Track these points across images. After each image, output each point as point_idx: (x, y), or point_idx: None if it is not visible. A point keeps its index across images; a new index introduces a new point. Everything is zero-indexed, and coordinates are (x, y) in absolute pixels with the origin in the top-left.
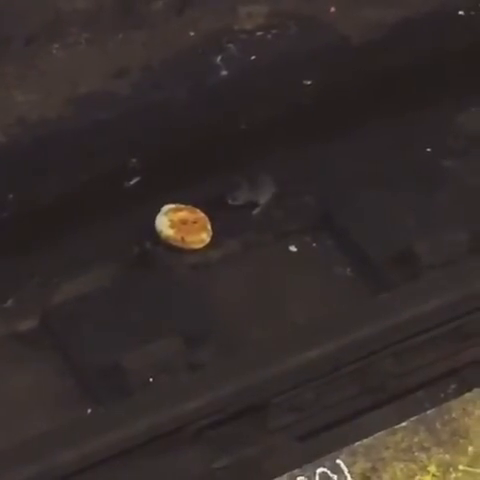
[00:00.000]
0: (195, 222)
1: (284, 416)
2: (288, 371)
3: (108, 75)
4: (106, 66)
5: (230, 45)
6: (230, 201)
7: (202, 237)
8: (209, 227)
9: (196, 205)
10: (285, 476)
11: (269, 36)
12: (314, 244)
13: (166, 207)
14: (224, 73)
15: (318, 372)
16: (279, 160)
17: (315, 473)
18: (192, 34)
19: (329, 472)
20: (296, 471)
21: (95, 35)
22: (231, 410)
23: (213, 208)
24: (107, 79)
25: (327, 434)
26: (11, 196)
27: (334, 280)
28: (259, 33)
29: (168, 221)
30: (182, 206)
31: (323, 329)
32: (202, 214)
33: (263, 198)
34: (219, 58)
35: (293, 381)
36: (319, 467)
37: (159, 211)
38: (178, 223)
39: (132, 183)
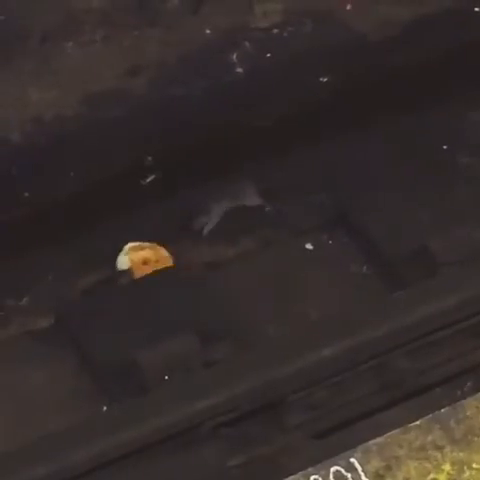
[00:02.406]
0: (157, 261)
1: (300, 414)
2: (304, 369)
3: (123, 73)
4: (122, 64)
5: (246, 43)
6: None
7: None
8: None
9: (210, 199)
10: (300, 474)
11: (285, 34)
12: (330, 242)
13: (128, 246)
14: (239, 71)
15: (334, 370)
16: (295, 157)
17: (329, 471)
18: (208, 32)
19: (343, 471)
20: (310, 469)
21: (111, 33)
22: (247, 408)
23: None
24: (122, 77)
25: (342, 432)
26: (27, 194)
27: (350, 278)
28: (275, 31)
29: (129, 261)
30: (145, 244)
31: (339, 327)
32: (165, 253)
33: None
34: (235, 56)
35: (309, 379)
36: (333, 466)
37: (121, 250)
38: (139, 264)
39: (147, 181)
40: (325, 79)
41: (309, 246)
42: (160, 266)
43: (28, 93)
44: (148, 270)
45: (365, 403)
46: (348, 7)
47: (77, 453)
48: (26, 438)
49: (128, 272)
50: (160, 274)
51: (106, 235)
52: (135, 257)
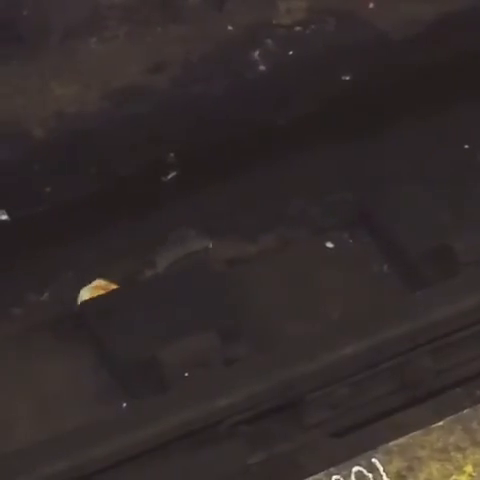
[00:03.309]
0: None
1: (319, 413)
2: (324, 367)
3: (146, 69)
4: (144, 60)
5: (268, 40)
6: None
7: None
8: None
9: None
10: (321, 474)
11: (307, 31)
12: (351, 241)
13: (95, 282)
14: (262, 68)
15: (353, 369)
16: (316, 156)
17: (351, 472)
18: (230, 29)
19: (365, 471)
20: (332, 469)
21: (133, 29)
22: (266, 406)
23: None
24: (145, 73)
25: (363, 432)
26: (48, 189)
27: (371, 277)
28: (297, 28)
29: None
30: (112, 286)
31: (359, 325)
32: None
33: None
34: (257, 53)
35: (329, 378)
36: (355, 466)
37: (88, 283)
38: None
39: (169, 178)
40: (347, 77)
41: (330, 245)
42: None
43: (51, 88)
44: None
45: (385, 403)
46: (371, 5)
47: (96, 449)
48: (45, 434)
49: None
50: (181, 271)
51: (127, 230)
52: (96, 294)
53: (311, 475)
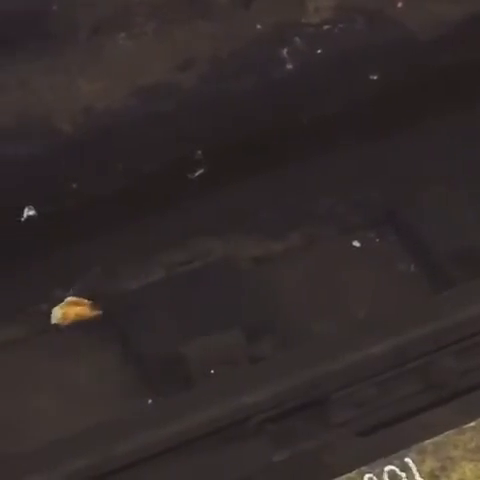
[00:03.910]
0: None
1: (344, 412)
2: (349, 366)
3: (174, 66)
4: (172, 57)
5: (296, 38)
6: None
7: None
8: None
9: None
10: (353, 473)
11: (336, 30)
12: (378, 240)
13: (68, 299)
14: (290, 66)
15: (380, 368)
16: (344, 155)
17: (383, 471)
18: (259, 27)
19: (397, 470)
20: (364, 468)
21: (162, 26)
22: (292, 404)
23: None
24: (173, 70)
25: (389, 431)
26: (75, 185)
27: (397, 276)
28: (326, 27)
29: (61, 315)
30: (84, 301)
31: (385, 324)
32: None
33: None
34: (285, 51)
35: (354, 377)
36: (387, 465)
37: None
38: (69, 318)
39: (196, 175)
40: (375, 77)
41: (356, 244)
42: None
43: (78, 84)
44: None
45: (411, 402)
46: (399, 5)
47: (121, 446)
48: (71, 430)
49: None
50: (207, 269)
51: (154, 227)
52: (70, 311)
53: (337, 474)
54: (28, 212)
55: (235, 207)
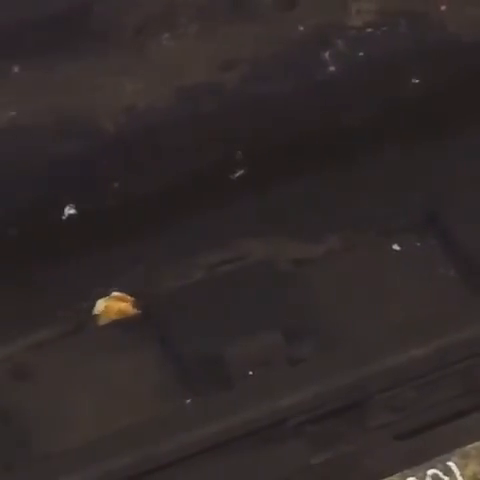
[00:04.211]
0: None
1: (384, 415)
2: (389, 369)
3: (216, 67)
4: (215, 58)
5: (339, 41)
6: None
7: None
8: None
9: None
10: (395, 476)
11: (378, 33)
12: (418, 243)
13: (113, 294)
14: (332, 69)
15: (421, 371)
16: (384, 157)
17: (426, 474)
18: (301, 28)
19: (440, 474)
20: (407, 471)
21: (205, 27)
22: (330, 406)
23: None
24: (215, 71)
25: (430, 435)
26: (116, 185)
27: (437, 280)
28: (368, 30)
29: (104, 308)
30: (128, 297)
31: (425, 328)
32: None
33: None
34: (327, 54)
35: (395, 379)
36: (430, 468)
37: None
38: (111, 313)
39: (236, 176)
40: (417, 80)
41: (396, 247)
42: None
43: (121, 84)
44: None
45: (451, 407)
46: (443, 8)
47: (158, 445)
48: (109, 429)
49: (96, 319)
50: (246, 270)
51: (193, 228)
52: (113, 305)
53: (376, 477)
54: (69, 211)
55: (275, 209)
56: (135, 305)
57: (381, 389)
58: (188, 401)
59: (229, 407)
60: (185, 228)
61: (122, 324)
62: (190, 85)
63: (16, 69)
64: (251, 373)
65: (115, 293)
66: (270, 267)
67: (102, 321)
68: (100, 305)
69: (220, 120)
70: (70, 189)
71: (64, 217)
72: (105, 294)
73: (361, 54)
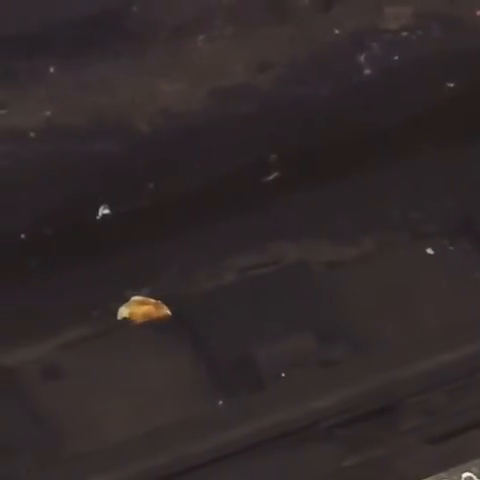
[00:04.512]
0: (158, 317)
1: (415, 418)
2: (421, 373)
3: (252, 69)
4: (250, 60)
5: (374, 44)
6: None
7: None
8: None
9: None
10: (431, 478)
11: (413, 36)
12: (451, 248)
13: (132, 299)
14: (367, 72)
15: (452, 376)
16: (419, 161)
17: (461, 477)
18: (337, 31)
19: (475, 477)
20: (441, 474)
21: (240, 29)
22: (362, 410)
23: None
24: (250, 73)
25: (460, 439)
26: (151, 185)
27: (471, 285)
28: (404, 33)
29: (128, 314)
30: (150, 301)
31: (458, 332)
32: (167, 310)
33: None
34: (363, 57)
35: (426, 384)
36: (465, 471)
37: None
38: (139, 316)
39: (270, 178)
40: (452, 84)
41: (430, 251)
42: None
43: (157, 85)
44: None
45: None
46: (478, 13)
47: (190, 446)
48: (140, 429)
49: (128, 321)
50: (280, 272)
51: (227, 230)
52: (136, 310)
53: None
54: (103, 211)
55: (309, 211)
56: (159, 307)
57: (413, 393)
58: (220, 402)
59: (261, 409)
60: (219, 230)
61: (155, 325)
62: (225, 87)
63: (52, 69)
64: (283, 375)
65: (136, 297)
66: (303, 269)
67: (135, 322)
68: (123, 312)
69: (255, 122)
70: (105, 189)
71: (98, 217)
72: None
73: (396, 57)
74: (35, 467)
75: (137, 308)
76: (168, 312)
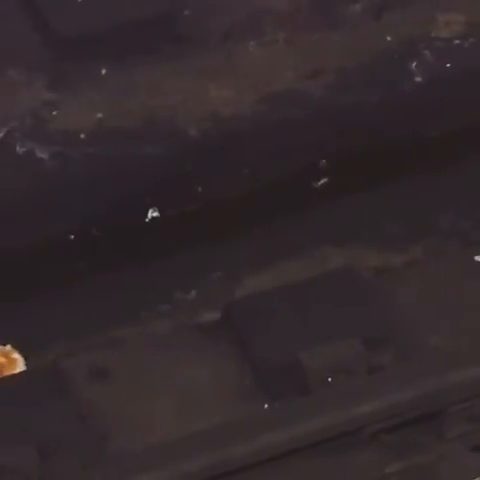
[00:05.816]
0: (7, 366)
1: (460, 425)
2: (467, 380)
3: (302, 75)
4: (301, 66)
5: (426, 52)
6: None
7: None
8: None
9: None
10: None
11: (466, 44)
12: None
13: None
14: (418, 79)
15: None
16: (469, 170)
17: None
18: (389, 39)
19: None
20: None
21: (291, 35)
22: (408, 415)
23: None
24: (301, 79)
25: None
26: (200, 189)
27: None
28: (456, 41)
29: None
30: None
31: None
32: (17, 356)
33: None
34: (414, 64)
35: (472, 391)
36: None
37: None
38: None
39: (320, 184)
40: None
41: (478, 258)
42: (8, 372)
43: (207, 89)
44: None
45: None
46: None
47: (234, 449)
48: (185, 431)
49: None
50: (328, 277)
51: (276, 234)
52: None
53: None
54: (152, 214)
55: (357, 217)
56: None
57: (459, 400)
58: (266, 406)
59: (306, 413)
60: (266, 233)
61: (201, 327)
62: (275, 92)
63: (104, 71)
64: (330, 380)
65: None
66: (351, 275)
67: (183, 322)
68: None
69: (304, 128)
70: (154, 192)
71: (147, 219)
72: (185, 298)
73: (448, 65)
74: (80, 466)
75: None
76: (19, 357)
